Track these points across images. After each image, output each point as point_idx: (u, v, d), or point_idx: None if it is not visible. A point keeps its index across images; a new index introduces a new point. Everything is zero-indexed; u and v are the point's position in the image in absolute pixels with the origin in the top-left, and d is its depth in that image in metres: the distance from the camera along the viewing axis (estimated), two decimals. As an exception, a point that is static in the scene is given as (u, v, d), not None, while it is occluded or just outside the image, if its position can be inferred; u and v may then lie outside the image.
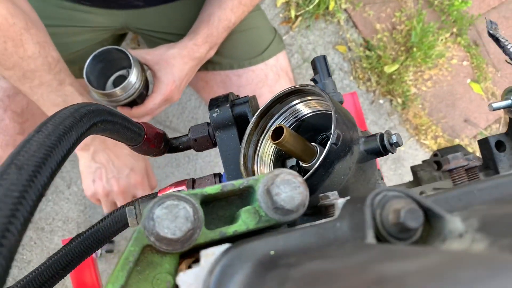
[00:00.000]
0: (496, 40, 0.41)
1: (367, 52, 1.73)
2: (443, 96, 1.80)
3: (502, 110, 0.73)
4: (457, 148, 0.81)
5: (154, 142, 0.53)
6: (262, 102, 0.55)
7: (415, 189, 0.69)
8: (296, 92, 0.47)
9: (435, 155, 0.83)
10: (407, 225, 0.19)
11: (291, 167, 0.51)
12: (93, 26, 1.00)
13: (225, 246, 0.22)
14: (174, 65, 0.88)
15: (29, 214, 0.23)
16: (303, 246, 0.21)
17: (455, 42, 1.83)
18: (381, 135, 0.44)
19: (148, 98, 0.88)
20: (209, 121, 0.54)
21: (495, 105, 0.70)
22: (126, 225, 0.55)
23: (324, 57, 0.55)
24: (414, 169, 0.80)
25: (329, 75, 0.55)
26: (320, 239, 0.21)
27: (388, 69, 1.72)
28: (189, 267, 0.27)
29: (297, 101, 0.48)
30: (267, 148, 0.51)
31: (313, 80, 0.55)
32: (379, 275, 0.13)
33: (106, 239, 0.53)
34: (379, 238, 0.19)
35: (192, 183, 0.55)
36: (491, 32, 0.41)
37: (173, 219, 0.24)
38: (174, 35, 1.00)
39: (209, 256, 0.22)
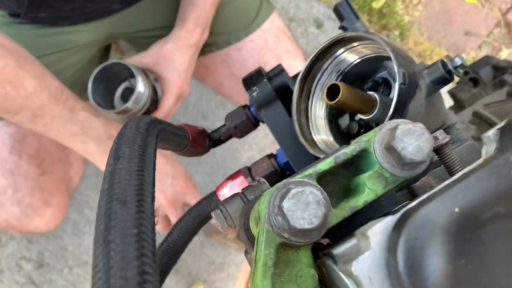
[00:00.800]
0: None
1: (351, -6, 1.68)
2: (438, 16, 1.75)
3: (500, 13, 0.69)
4: (488, 60, 0.77)
5: (199, 141, 0.50)
6: (270, 68, 0.52)
7: (466, 111, 0.66)
8: (338, 43, 0.43)
9: (466, 73, 0.79)
10: None
11: (349, 125, 0.48)
12: (78, 45, 0.96)
13: (389, 220, 0.19)
14: (174, 59, 0.85)
15: (153, 246, 0.20)
16: (487, 192, 0.18)
17: (434, -42, 1.77)
18: (443, 62, 0.41)
19: (161, 102, 0.84)
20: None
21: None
22: (194, 233, 0.52)
23: (347, 1, 0.51)
24: (452, 92, 0.77)
25: (357, 18, 0.51)
26: (501, 180, 0.18)
27: (376, 4, 1.66)
28: (325, 254, 0.24)
29: (341, 50, 0.44)
30: (318, 111, 0.48)
31: (341, 28, 0.51)
32: None
33: (178, 254, 0.51)
34: None
35: (248, 171, 0.52)
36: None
37: (305, 207, 0.21)
38: (162, 29, 0.95)
39: (377, 235, 0.19)
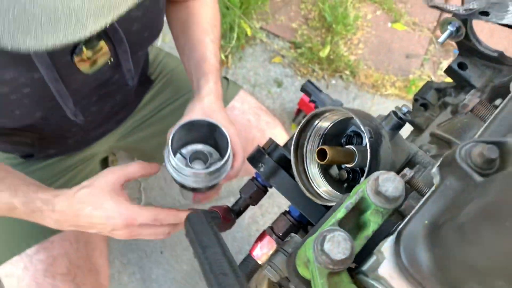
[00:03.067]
0: (440, 9, 0.53)
1: (299, 50, 1.87)
2: (378, 48, 1.97)
3: (429, 32, 0.86)
4: (430, 84, 0.93)
5: (227, 217, 0.61)
6: (255, 144, 0.64)
7: (425, 134, 0.80)
8: (313, 117, 0.57)
9: (416, 100, 0.95)
10: (490, 157, 0.28)
11: (340, 173, 0.61)
12: (85, 161, 1.07)
13: (390, 239, 0.31)
14: (219, 116, 0.79)
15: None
16: (442, 207, 0.30)
17: (361, 1, 2.01)
18: (394, 112, 0.55)
19: (233, 161, 0.79)
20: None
21: (440, 39, 0.83)
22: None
23: (309, 81, 0.66)
24: (410, 120, 0.92)
25: (320, 91, 0.65)
26: (448, 198, 0.30)
27: (323, 53, 1.86)
28: (357, 272, 0.36)
29: (317, 121, 0.58)
30: (313, 170, 0.61)
31: (312, 101, 0.65)
32: None
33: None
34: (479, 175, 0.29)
35: (271, 231, 0.64)
36: (431, 5, 0.53)
37: (338, 245, 0.33)
38: (170, 102, 1.07)
39: (386, 250, 0.31)
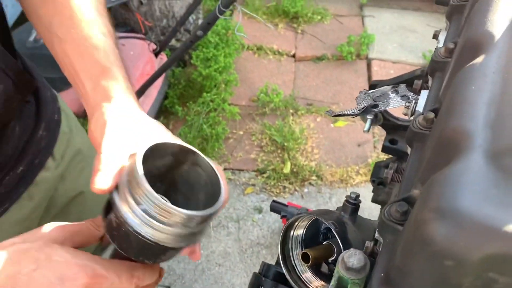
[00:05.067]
0: (342, 115, 0.68)
1: (265, 175, 2.03)
2: (331, 148, 2.16)
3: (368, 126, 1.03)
4: (378, 164, 1.07)
5: None
6: None
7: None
8: (288, 228, 0.67)
9: (373, 181, 1.08)
10: (403, 210, 0.39)
11: (328, 267, 0.69)
12: None
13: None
14: (171, 137, 0.55)
15: None
16: (387, 258, 0.39)
17: (300, 116, 2.26)
18: (346, 201, 0.66)
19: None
20: None
21: (365, 128, 1.00)
22: None
23: (274, 201, 0.77)
24: (374, 199, 1.03)
25: (286, 205, 0.76)
26: (389, 250, 0.40)
27: (286, 170, 2.03)
28: None
29: (292, 231, 0.68)
30: (305, 273, 0.69)
31: (283, 217, 0.76)
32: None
33: None
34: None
35: None
36: (333, 115, 0.68)
37: None
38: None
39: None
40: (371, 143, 2.18)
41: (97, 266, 0.46)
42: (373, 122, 1.03)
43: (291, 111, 2.25)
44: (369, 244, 0.50)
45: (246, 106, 2.29)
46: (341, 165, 2.09)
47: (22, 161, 0.74)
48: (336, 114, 0.69)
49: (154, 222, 0.45)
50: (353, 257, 0.45)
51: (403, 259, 0.35)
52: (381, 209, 1.06)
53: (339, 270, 0.46)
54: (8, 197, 0.73)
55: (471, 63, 0.46)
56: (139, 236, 0.45)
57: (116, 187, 0.48)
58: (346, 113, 0.68)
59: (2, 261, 0.44)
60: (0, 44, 0.66)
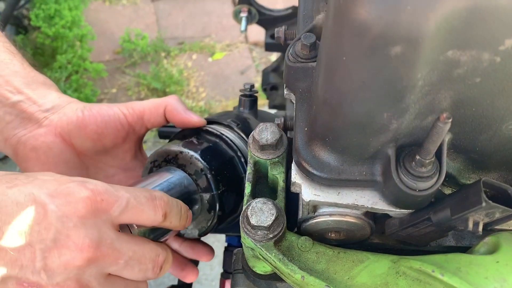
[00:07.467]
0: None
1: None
2: (216, 82, 2.05)
3: (247, 45, 0.92)
4: (265, 71, 0.99)
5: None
6: None
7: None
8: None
9: (265, 89, 1.00)
10: (308, 43, 0.29)
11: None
12: None
13: (293, 166, 0.30)
14: None
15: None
16: (307, 107, 0.30)
17: (174, 57, 2.09)
18: (242, 95, 0.56)
19: None
20: None
21: (242, 28, 0.90)
22: None
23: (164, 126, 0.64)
24: (271, 106, 0.96)
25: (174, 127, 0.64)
26: (305, 97, 0.31)
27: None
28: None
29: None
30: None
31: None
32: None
33: None
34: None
35: (225, 273, 0.59)
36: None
37: (261, 211, 0.31)
38: None
39: (295, 176, 0.30)
40: (253, 68, 2.12)
41: (104, 184, 0.36)
42: (249, 20, 0.93)
43: (162, 54, 2.07)
44: (279, 120, 0.41)
45: (112, 60, 2.05)
46: (230, 97, 2.01)
47: None
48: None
49: None
50: (265, 132, 0.35)
51: (327, 89, 0.26)
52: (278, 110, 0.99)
53: (252, 155, 0.36)
54: None
55: None
56: None
57: None
58: None
59: None
60: None
